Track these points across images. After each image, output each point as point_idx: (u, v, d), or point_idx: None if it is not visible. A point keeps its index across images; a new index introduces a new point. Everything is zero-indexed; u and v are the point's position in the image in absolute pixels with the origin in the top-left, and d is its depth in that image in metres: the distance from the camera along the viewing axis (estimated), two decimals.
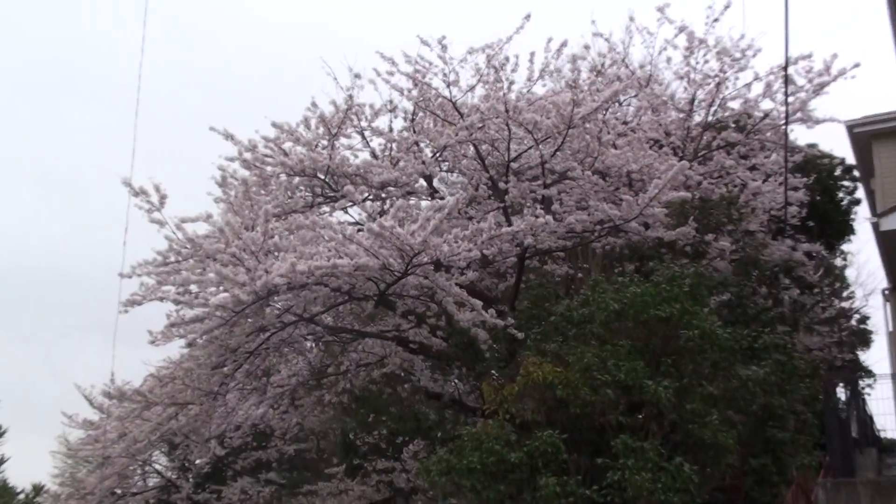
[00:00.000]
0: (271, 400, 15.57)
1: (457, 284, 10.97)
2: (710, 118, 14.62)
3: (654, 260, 11.49)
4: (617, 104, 14.72)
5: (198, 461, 20.56)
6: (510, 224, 11.63)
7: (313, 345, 15.23)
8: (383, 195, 13.15)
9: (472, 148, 12.98)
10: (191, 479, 22.66)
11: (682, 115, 14.63)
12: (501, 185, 12.55)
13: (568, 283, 13.43)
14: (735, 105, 14.61)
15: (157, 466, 25.92)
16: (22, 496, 8.14)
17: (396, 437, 13.30)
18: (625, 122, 14.24)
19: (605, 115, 12.93)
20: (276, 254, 10.46)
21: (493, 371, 10.58)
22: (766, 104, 14.52)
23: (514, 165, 12.78)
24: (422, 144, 13.39)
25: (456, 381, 13.41)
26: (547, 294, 11.09)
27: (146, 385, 13.30)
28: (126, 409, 15.09)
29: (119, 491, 22.13)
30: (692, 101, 14.66)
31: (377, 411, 13.29)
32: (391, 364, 13.66)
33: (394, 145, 13.68)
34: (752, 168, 14.37)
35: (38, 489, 8.39)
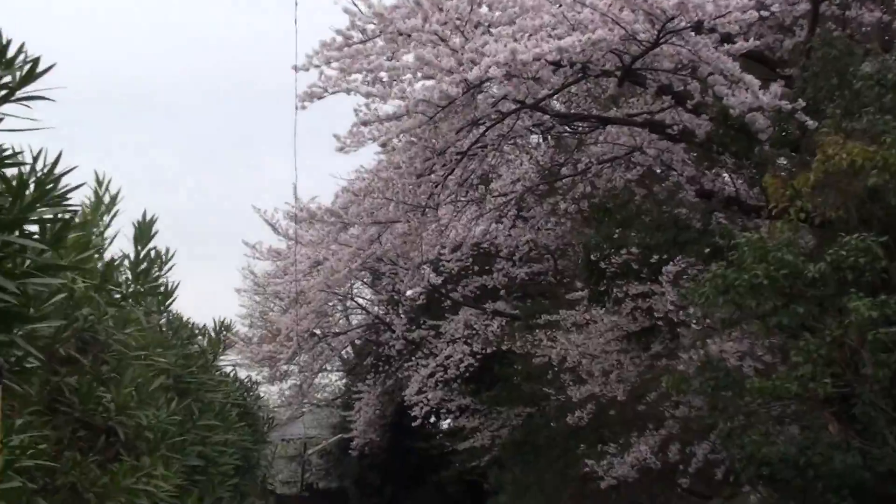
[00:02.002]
0: (493, 213, 16.14)
1: (727, 55, 10.58)
2: None
3: None
4: None
5: (409, 292, 21.70)
6: None
7: (541, 139, 15.43)
8: None
9: None
10: (402, 315, 24.22)
11: None
12: None
13: (881, 32, 12.58)
14: None
15: (361, 301, 27.98)
16: (202, 337, 9.08)
17: (653, 253, 13.37)
18: None
19: None
20: (486, 27, 10.52)
21: (778, 158, 10.33)
22: None
23: None
24: None
25: (729, 174, 13.20)
26: (851, 50, 10.48)
27: (338, 202, 13.94)
28: (317, 234, 16.23)
29: (319, 332, 24.13)
30: None
31: (627, 221, 13.34)
32: (643, 158, 13.62)
33: None
34: None
35: (223, 326, 9.30)
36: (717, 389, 9.99)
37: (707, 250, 11.53)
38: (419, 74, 10.74)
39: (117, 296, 6.52)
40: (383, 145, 11.77)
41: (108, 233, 6.65)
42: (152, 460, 5.99)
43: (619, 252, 13.50)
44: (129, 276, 6.88)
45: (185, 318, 8.77)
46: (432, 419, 28.34)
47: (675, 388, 11.10)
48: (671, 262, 13.13)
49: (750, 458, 9.49)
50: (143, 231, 6.93)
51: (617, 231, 13.36)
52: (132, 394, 5.93)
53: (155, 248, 7.10)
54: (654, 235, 12.69)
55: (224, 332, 9.58)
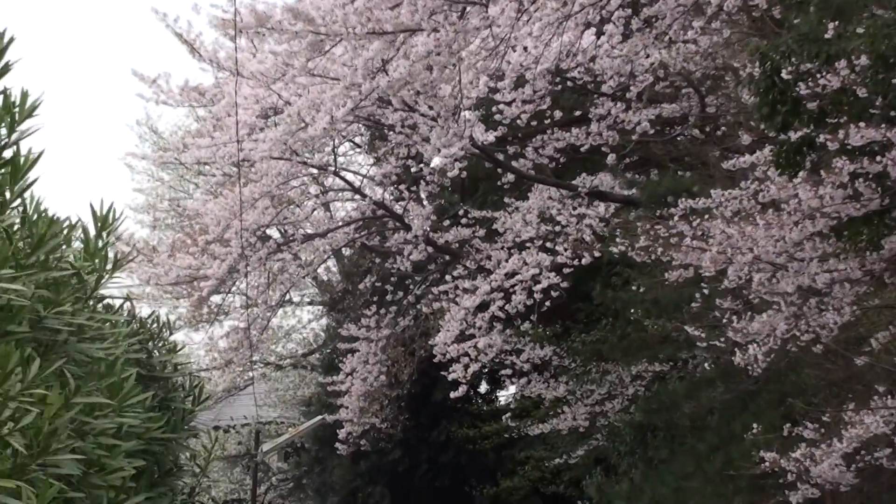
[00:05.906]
0: (587, 13, 15.83)
1: None
2: None
3: None
4: None
5: (437, 160, 21.53)
6: None
7: None
8: None
9: None
10: (425, 201, 24.14)
11: None
12: None
13: None
14: None
15: (351, 177, 27.85)
16: (74, 244, 8.72)
17: (891, 70, 13.07)
18: None
19: None
20: None
21: None
22: None
23: None
24: None
25: None
26: None
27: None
28: (272, 60, 16.01)
29: (277, 232, 24.10)
30: None
31: (840, 13, 13.06)
32: None
33: None
34: None
35: (108, 220, 8.86)
36: None
37: None
38: None
39: None
40: None
41: None
42: None
43: (829, 70, 13.06)
44: None
45: (50, 215, 8.43)
46: (483, 387, 28.42)
47: None
48: None
49: None
50: None
51: (831, 27, 12.84)
52: None
53: (5, 90, 6.94)
54: (892, 36, 12.26)
55: (111, 232, 9.24)
